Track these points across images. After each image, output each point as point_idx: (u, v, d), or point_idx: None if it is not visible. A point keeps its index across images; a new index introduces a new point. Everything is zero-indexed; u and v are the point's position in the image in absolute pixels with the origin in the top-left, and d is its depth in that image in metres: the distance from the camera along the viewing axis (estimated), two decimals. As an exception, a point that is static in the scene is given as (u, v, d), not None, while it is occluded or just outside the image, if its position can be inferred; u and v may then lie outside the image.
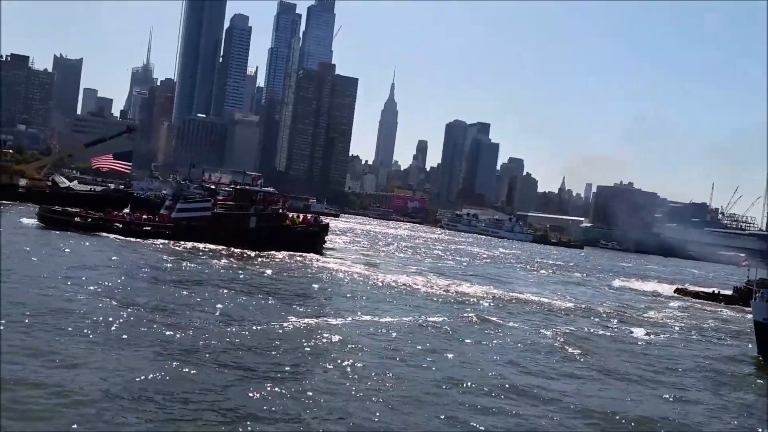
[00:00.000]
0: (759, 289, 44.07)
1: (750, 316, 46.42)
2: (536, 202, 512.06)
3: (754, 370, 35.90)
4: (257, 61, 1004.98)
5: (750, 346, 41.70)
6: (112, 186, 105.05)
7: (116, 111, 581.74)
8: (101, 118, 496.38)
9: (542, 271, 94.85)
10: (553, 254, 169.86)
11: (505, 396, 22.98)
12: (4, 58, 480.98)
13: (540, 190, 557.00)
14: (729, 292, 75.91)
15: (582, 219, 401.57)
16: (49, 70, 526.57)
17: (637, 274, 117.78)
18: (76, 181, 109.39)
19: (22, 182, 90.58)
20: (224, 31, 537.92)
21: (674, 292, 79.46)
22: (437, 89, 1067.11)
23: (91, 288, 33.26)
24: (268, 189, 74.60)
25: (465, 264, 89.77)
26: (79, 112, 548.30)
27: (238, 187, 71.21)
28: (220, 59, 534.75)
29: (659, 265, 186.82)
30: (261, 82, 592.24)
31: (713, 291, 78.15)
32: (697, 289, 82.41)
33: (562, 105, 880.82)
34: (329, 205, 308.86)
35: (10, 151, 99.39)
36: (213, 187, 75.77)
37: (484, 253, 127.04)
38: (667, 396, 26.45)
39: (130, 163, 73.98)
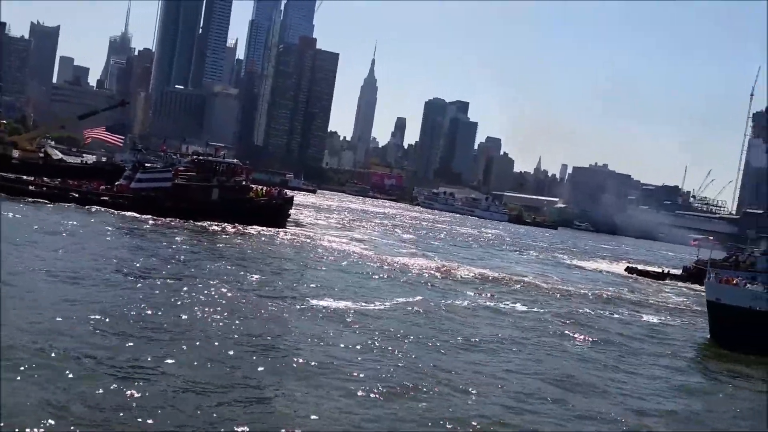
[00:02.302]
0: (712, 269, 46.30)
1: (696, 295, 48.99)
2: (512, 181, 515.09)
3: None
4: (237, 33, 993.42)
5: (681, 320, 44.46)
6: (93, 158, 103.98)
7: (93, 80, 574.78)
8: (78, 87, 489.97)
9: (518, 252, 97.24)
10: (534, 234, 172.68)
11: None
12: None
13: (516, 169, 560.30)
14: (678, 272, 79.07)
15: (557, 199, 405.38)
16: (26, 37, 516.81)
17: (611, 255, 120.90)
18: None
19: (15, 154, 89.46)
20: (204, 2, 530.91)
21: (624, 270, 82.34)
22: (417, 66, 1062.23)
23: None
24: (232, 160, 71.89)
25: (446, 242, 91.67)
26: (55, 80, 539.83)
27: (200, 157, 68.61)
28: (200, 30, 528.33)
29: (633, 246, 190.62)
30: (241, 54, 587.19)
31: (662, 270, 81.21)
32: (647, 268, 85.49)
33: (541, 77, 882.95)
34: (307, 180, 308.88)
35: (4, 121, 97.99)
36: (175, 156, 72.26)
37: (462, 232, 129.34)
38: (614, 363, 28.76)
39: (123, 137, 71.98)
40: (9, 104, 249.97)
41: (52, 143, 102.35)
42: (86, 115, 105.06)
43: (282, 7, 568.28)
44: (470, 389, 21.29)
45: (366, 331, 27.21)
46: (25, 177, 63.80)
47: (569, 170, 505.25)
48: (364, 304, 33.31)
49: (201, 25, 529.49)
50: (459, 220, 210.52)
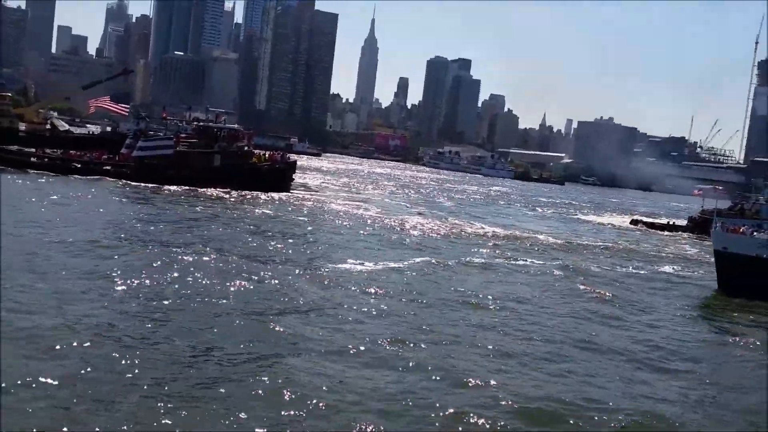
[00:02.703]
0: (718, 218, 46.08)
1: (700, 245, 48.73)
2: (517, 138, 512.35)
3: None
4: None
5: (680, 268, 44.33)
6: (97, 128, 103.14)
7: (92, 49, 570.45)
8: (76, 56, 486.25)
9: (528, 209, 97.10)
10: (541, 191, 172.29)
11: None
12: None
13: (521, 126, 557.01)
14: (684, 223, 78.76)
15: (563, 155, 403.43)
16: (23, 7, 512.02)
17: (618, 208, 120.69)
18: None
19: (22, 126, 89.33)
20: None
21: (630, 223, 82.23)
22: (418, 25, 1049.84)
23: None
24: (233, 126, 71.05)
25: (454, 201, 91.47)
26: (53, 50, 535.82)
27: (200, 124, 67.68)
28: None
29: (640, 199, 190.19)
30: (239, 18, 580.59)
31: (668, 222, 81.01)
32: (652, 220, 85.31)
33: (544, 33, 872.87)
34: (311, 144, 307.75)
35: (9, 94, 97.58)
36: (180, 123, 71.55)
37: (469, 190, 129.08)
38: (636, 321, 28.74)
39: (128, 105, 71.20)
40: (8, 76, 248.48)
41: (56, 114, 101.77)
42: (90, 85, 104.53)
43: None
44: (494, 351, 21.19)
45: (384, 293, 27.03)
46: (26, 149, 63.26)
47: (574, 125, 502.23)
48: (377, 264, 33.03)
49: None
50: (465, 178, 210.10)
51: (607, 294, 33.26)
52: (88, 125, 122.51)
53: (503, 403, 16.42)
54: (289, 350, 18.58)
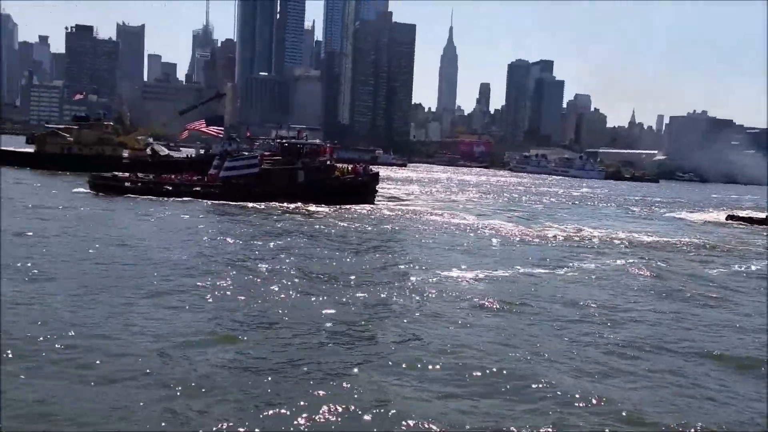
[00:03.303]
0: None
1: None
2: (606, 137, 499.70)
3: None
4: (314, 14, 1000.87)
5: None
6: (192, 151, 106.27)
7: (181, 75, 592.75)
8: (167, 83, 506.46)
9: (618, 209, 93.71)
10: (635, 190, 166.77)
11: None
12: (69, 30, 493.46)
13: (609, 125, 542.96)
14: None
15: (655, 152, 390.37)
16: (114, 39, 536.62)
17: (722, 204, 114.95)
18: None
19: (125, 153, 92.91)
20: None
21: (726, 219, 77.19)
22: (497, 29, 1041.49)
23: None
24: (314, 141, 71.92)
25: (545, 205, 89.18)
26: (145, 78, 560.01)
27: (283, 141, 69.14)
28: (278, 16, 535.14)
29: (743, 192, 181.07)
30: (319, 35, 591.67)
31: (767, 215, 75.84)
32: (752, 215, 79.62)
33: (628, 29, 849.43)
34: (395, 155, 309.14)
35: (111, 123, 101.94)
36: (272, 142, 73.40)
37: (559, 192, 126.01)
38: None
39: (222, 128, 72.98)
40: (105, 106, 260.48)
41: (151, 140, 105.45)
42: (186, 110, 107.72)
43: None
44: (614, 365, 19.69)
45: (490, 303, 25.65)
46: (119, 174, 65.67)
47: (666, 120, 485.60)
48: (482, 273, 31.35)
49: (278, 10, 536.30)
50: (554, 181, 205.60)
51: (723, 298, 30.28)
52: (181, 149, 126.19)
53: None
54: (383, 366, 17.66)
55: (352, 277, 28.58)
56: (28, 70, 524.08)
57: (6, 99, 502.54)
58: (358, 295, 25.45)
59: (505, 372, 17.62)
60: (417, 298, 25.56)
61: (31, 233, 35.09)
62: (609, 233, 53.50)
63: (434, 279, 29.28)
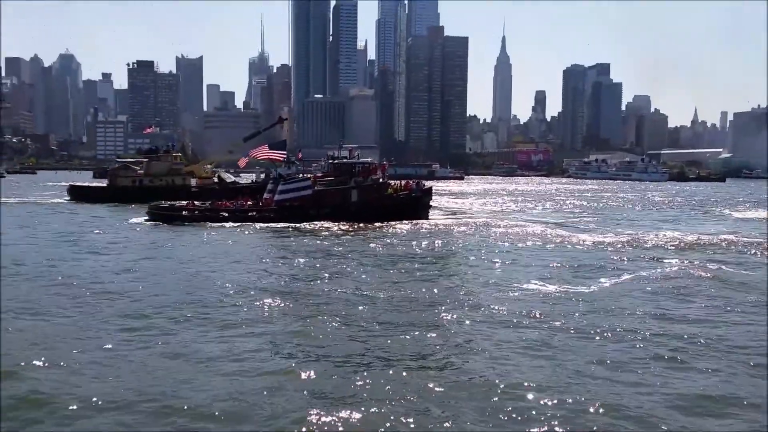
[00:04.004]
0: None
1: None
2: (668, 138, 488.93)
3: None
4: (366, 34, 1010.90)
5: None
6: (253, 176, 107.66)
7: (239, 102, 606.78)
8: (226, 111, 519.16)
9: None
10: (702, 190, 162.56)
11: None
12: (131, 66, 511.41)
13: (671, 125, 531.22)
14: None
15: (720, 150, 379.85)
16: (173, 71, 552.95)
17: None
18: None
19: (193, 182, 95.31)
20: (331, 9, 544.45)
21: None
22: (550, 35, 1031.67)
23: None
24: (366, 159, 71.41)
25: (611, 210, 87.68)
26: (204, 108, 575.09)
27: (335, 161, 68.55)
28: (330, 38, 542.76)
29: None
30: (372, 54, 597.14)
31: None
32: None
33: (684, 27, 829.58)
34: (452, 168, 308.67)
35: (180, 154, 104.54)
36: (315, 165, 73.00)
37: (625, 197, 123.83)
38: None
39: (285, 152, 73.85)
40: (168, 137, 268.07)
41: (214, 168, 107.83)
42: (251, 136, 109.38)
43: (406, 2, 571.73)
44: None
45: (567, 320, 24.21)
46: (177, 203, 66.47)
47: (730, 117, 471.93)
48: (563, 287, 30.35)
49: (331, 33, 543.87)
50: (616, 186, 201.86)
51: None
52: (241, 175, 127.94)
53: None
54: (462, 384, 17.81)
55: (411, 295, 28.64)
56: (93, 107, 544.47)
57: (73, 136, 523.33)
58: (418, 310, 25.78)
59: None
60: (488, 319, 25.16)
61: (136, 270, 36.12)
62: (689, 237, 51.51)
63: (516, 294, 28.91)
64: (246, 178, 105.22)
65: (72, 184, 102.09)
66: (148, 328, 22.62)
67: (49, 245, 44.29)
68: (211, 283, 31.07)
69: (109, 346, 20.31)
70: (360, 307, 25.97)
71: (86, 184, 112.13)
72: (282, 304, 26.56)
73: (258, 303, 26.68)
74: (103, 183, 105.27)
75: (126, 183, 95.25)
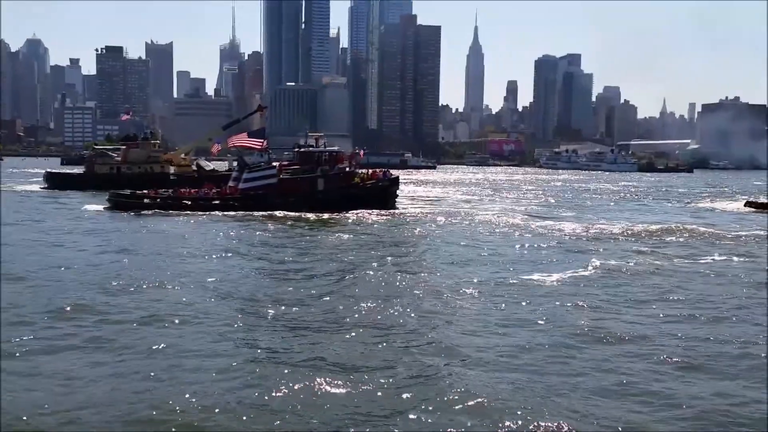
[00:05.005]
0: None
1: None
2: (638, 129, 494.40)
3: None
4: (339, 21, 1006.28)
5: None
6: (227, 164, 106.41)
7: (210, 90, 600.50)
8: (198, 98, 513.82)
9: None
10: (671, 181, 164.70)
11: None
12: (99, 51, 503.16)
13: (640, 116, 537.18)
14: None
15: (688, 141, 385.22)
16: (143, 57, 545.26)
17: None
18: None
19: (171, 170, 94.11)
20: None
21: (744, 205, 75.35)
22: (522, 26, 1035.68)
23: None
24: (333, 148, 70.71)
25: (580, 201, 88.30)
26: (175, 95, 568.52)
27: (301, 149, 67.94)
28: (303, 25, 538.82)
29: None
30: (345, 42, 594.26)
31: None
32: None
33: (654, 16, 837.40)
34: (425, 157, 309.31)
35: (158, 141, 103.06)
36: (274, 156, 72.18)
37: (593, 188, 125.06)
38: None
39: (264, 140, 72.84)
40: (137, 124, 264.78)
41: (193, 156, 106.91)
42: (229, 125, 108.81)
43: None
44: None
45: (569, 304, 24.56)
46: (138, 192, 65.46)
47: (698, 108, 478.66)
48: (524, 277, 29.95)
49: (303, 20, 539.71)
50: (586, 176, 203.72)
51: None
52: (210, 163, 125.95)
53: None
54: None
55: (396, 287, 28.42)
56: (61, 93, 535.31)
57: (40, 122, 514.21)
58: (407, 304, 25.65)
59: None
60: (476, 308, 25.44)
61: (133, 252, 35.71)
62: (663, 226, 51.76)
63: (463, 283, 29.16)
64: (220, 166, 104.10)
65: (49, 171, 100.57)
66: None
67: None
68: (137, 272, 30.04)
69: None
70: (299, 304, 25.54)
71: (63, 171, 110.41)
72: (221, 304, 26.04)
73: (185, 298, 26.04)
74: (77, 170, 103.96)
75: (104, 170, 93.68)
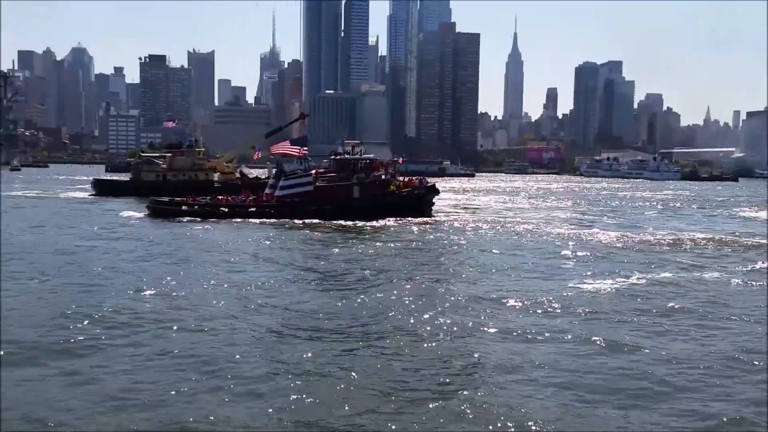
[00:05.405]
0: None
1: None
2: (681, 137, 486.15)
3: None
4: (377, 30, 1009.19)
5: None
6: (266, 171, 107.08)
7: (250, 98, 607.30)
8: (238, 106, 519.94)
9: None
10: (716, 189, 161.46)
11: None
12: (143, 60, 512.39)
13: (683, 123, 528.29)
14: None
15: (733, 149, 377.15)
16: (185, 66, 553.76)
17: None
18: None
19: (216, 177, 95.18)
20: (343, 4, 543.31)
21: None
22: (562, 32, 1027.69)
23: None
24: (369, 156, 70.31)
25: (623, 209, 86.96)
26: (216, 103, 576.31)
27: (337, 157, 67.42)
28: (342, 34, 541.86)
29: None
30: (383, 50, 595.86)
31: None
32: None
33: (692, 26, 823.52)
34: (463, 165, 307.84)
35: (203, 149, 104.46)
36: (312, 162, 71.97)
37: (636, 196, 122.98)
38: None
39: (306, 148, 72.92)
40: (180, 131, 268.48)
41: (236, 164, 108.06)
42: (272, 132, 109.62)
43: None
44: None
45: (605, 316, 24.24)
46: (177, 199, 65.89)
47: (743, 116, 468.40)
48: (570, 285, 29.49)
49: (342, 28, 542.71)
50: (628, 185, 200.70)
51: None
52: (252, 171, 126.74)
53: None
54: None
55: (433, 299, 28.30)
56: (105, 101, 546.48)
57: (85, 130, 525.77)
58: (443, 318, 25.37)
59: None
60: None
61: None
62: (714, 236, 50.83)
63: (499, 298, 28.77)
64: (262, 174, 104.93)
65: (96, 178, 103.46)
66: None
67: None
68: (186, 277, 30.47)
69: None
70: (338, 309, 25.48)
71: (110, 177, 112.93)
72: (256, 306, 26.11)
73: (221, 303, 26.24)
74: (123, 177, 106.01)
75: (150, 177, 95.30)
